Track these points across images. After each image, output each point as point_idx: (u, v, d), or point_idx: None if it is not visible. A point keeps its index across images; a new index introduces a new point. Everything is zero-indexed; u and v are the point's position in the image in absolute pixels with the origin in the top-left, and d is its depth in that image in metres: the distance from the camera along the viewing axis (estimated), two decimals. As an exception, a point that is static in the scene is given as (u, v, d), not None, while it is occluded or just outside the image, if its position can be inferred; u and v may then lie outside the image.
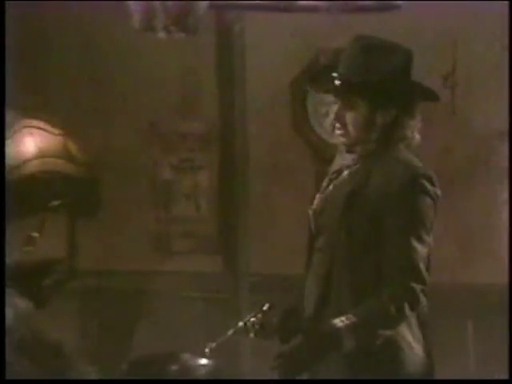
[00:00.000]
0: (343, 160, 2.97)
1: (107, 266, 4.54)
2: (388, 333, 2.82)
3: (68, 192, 4.15)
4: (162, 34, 3.22)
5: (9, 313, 3.37)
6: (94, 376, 4.12)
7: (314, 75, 3.11)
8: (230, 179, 4.51)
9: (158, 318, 4.51)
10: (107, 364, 4.21)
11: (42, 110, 4.19)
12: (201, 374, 4.15)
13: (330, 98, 4.15)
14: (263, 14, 3.90)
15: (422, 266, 2.85)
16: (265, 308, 3.00)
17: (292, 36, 4.11)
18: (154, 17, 3.21)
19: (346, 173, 2.96)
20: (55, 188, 4.15)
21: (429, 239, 2.88)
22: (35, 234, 4.06)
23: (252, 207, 4.47)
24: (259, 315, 3.00)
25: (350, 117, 2.89)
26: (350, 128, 2.89)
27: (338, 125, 2.91)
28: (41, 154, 4.16)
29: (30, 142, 4.17)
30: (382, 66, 2.87)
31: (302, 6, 3.31)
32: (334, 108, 2.90)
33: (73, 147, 4.20)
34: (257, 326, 2.99)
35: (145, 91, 4.50)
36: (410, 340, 2.90)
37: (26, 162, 4.13)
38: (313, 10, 3.21)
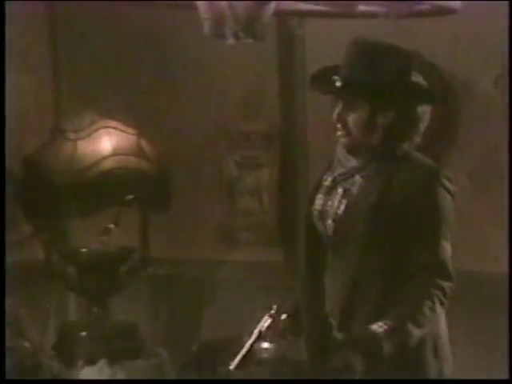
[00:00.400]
0: (349, 163, 2.85)
1: (177, 255, 4.52)
2: (421, 332, 2.72)
3: (141, 187, 4.16)
4: (231, 40, 3.19)
5: None
6: (164, 357, 4.17)
7: (315, 76, 2.91)
8: (290, 175, 4.49)
9: (223, 303, 4.50)
10: (178, 346, 4.27)
11: (118, 112, 4.22)
12: (264, 357, 4.17)
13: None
14: (323, 20, 3.86)
15: (449, 264, 2.77)
16: (273, 312, 2.90)
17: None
18: (224, 24, 3.20)
19: (358, 177, 2.84)
20: (129, 183, 4.16)
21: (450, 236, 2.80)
22: (111, 226, 4.08)
23: None
24: (270, 321, 2.89)
25: (351, 118, 2.79)
26: (352, 129, 2.79)
27: (339, 126, 2.80)
28: (116, 152, 4.18)
29: (107, 141, 4.21)
30: (382, 67, 2.77)
31: (362, 12, 3.28)
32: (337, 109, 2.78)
33: (145, 145, 4.22)
34: (270, 333, 2.89)
35: (212, 93, 4.49)
36: (445, 336, 2.83)
37: (103, 159, 4.16)
38: (372, 15, 3.20)
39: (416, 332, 2.70)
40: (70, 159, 4.13)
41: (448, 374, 2.86)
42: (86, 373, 3.85)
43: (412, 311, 2.71)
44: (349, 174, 2.86)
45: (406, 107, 2.79)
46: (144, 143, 4.21)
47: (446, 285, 2.75)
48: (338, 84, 2.78)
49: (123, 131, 4.20)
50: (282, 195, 4.52)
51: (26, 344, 1.64)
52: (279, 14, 3.49)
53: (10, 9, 4.01)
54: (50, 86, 4.55)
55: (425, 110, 2.82)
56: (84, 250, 4.14)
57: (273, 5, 3.26)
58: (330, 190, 2.88)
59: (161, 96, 4.58)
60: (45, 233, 4.23)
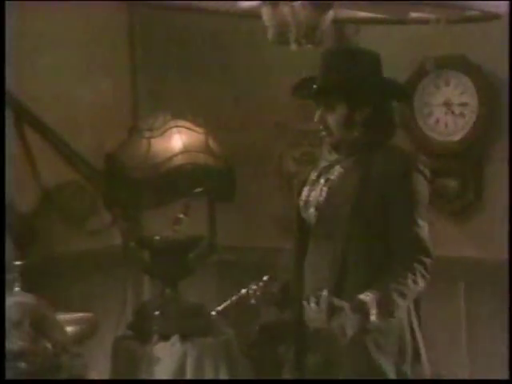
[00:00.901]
0: (331, 157, 2.93)
1: (241, 243, 4.56)
2: (406, 303, 2.75)
3: (208, 180, 4.18)
4: (293, 46, 3.18)
5: None
6: (231, 335, 4.18)
7: (297, 86, 3.04)
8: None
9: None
10: (243, 326, 4.28)
11: (188, 113, 4.23)
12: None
13: (432, 100, 4.19)
14: (377, 27, 3.87)
15: (428, 241, 2.80)
16: (265, 278, 2.98)
17: (402, 45, 4.06)
18: (287, 30, 3.22)
19: (338, 167, 2.90)
20: (198, 177, 4.17)
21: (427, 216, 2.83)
22: (182, 216, 4.12)
23: None
24: (260, 284, 2.97)
25: (331, 119, 2.86)
26: (333, 129, 2.85)
27: (321, 127, 2.89)
28: (186, 149, 4.20)
29: (178, 140, 4.23)
30: (352, 69, 2.84)
31: (414, 19, 3.30)
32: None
33: (212, 143, 4.23)
34: (258, 294, 2.97)
35: (273, 96, 4.49)
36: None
37: (174, 156, 4.18)
38: (423, 22, 3.21)
39: (401, 302, 2.72)
40: (144, 156, 4.18)
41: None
42: (160, 348, 3.89)
43: (397, 283, 2.72)
44: (330, 166, 2.93)
45: (381, 103, 2.85)
46: (211, 141, 4.22)
47: (427, 260, 2.77)
48: (314, 87, 2.87)
49: (193, 130, 4.23)
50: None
51: (48, 345, 1.66)
52: (336, 22, 3.50)
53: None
54: (128, 89, 4.59)
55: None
56: (157, 237, 4.17)
57: (332, 13, 3.29)
58: (315, 182, 2.95)
59: (227, 98, 4.62)
60: (123, 222, 4.26)
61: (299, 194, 2.97)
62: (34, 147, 4.04)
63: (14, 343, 1.70)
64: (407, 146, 4.15)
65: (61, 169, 4.22)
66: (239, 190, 4.28)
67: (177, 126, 4.21)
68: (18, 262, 3.43)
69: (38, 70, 4.13)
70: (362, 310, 2.67)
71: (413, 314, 2.88)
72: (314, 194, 2.93)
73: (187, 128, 4.22)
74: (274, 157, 4.62)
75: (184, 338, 3.93)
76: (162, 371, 3.85)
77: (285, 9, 3.22)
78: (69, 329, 3.44)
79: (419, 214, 2.80)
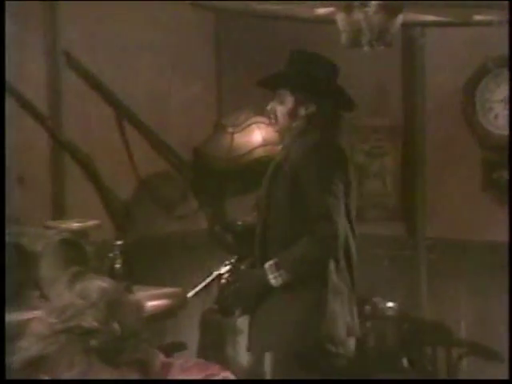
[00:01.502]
0: (281, 146, 3.04)
1: None
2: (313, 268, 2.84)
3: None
4: (366, 48, 3.22)
5: None
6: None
7: (261, 81, 3.14)
8: (411, 163, 4.45)
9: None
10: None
11: (267, 110, 4.28)
12: (389, 315, 4.16)
13: (492, 96, 4.15)
14: (442, 29, 3.86)
15: (333, 215, 2.86)
16: (233, 260, 3.12)
17: (465, 46, 4.02)
18: (361, 34, 3.24)
19: (283, 151, 3.01)
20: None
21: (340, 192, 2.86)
22: None
23: (429, 185, 4.39)
24: (229, 265, 3.12)
25: (279, 109, 2.98)
26: (279, 117, 2.97)
27: (271, 115, 3.00)
28: (265, 143, 4.24)
29: (258, 134, 4.26)
30: (307, 70, 2.96)
31: (477, 21, 3.28)
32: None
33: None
34: (227, 274, 3.12)
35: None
36: (334, 279, 2.90)
37: (254, 149, 4.22)
38: (487, 23, 3.18)
39: (298, 269, 2.85)
40: (228, 149, 4.22)
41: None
42: (242, 321, 3.93)
43: (300, 250, 2.85)
44: (280, 151, 3.05)
45: (325, 104, 2.95)
46: (288, 135, 4.25)
47: (330, 233, 2.84)
48: (265, 77, 3.03)
49: (271, 125, 4.26)
50: (403, 179, 4.48)
51: (117, 327, 1.68)
52: (404, 25, 3.50)
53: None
54: (214, 89, 4.62)
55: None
56: (239, 222, 4.20)
57: (401, 16, 3.29)
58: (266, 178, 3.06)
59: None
60: (208, 208, 4.34)
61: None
62: (131, 141, 4.11)
63: (87, 321, 1.73)
64: (468, 138, 4.18)
65: (154, 160, 4.29)
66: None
67: (257, 122, 4.25)
68: (118, 242, 3.50)
69: (136, 71, 4.21)
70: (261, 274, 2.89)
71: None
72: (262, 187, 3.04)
73: (266, 124, 4.24)
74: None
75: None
76: (245, 342, 3.88)
77: (358, 14, 3.23)
78: (161, 302, 3.54)
79: (328, 190, 2.86)
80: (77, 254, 3.24)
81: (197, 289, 3.08)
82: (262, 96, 4.56)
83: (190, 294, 3.07)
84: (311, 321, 2.90)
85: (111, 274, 3.35)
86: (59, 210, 3.85)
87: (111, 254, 3.43)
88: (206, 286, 3.11)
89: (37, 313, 2.73)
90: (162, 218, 4.31)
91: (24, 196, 3.34)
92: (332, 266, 2.92)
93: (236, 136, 4.24)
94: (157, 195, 4.28)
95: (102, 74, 3.83)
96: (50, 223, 3.48)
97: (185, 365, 1.85)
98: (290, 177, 2.88)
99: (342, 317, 2.97)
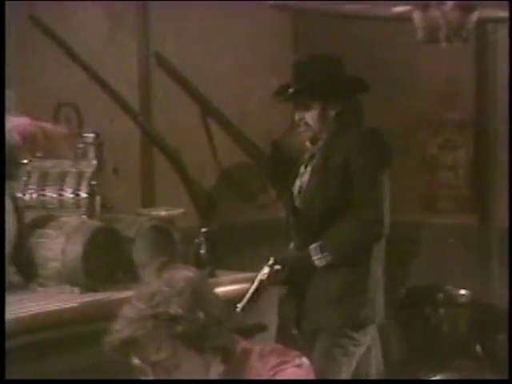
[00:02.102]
0: (313, 149, 2.96)
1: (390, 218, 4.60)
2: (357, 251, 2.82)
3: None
4: (444, 44, 3.24)
5: None
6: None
7: (276, 92, 3.06)
8: (482, 155, 4.45)
9: (425, 257, 4.53)
10: (390, 289, 4.31)
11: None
12: (462, 302, 4.17)
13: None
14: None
15: (380, 202, 2.85)
16: (270, 262, 3.01)
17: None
18: (438, 30, 3.26)
19: (318, 154, 2.94)
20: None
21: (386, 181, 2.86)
22: None
23: (500, 177, 4.37)
24: (268, 270, 3.00)
25: (308, 116, 2.92)
26: (312, 124, 2.91)
27: (301, 124, 2.94)
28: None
29: None
30: (321, 73, 2.92)
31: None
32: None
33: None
34: (269, 276, 3.00)
35: (418, 90, 4.52)
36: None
37: None
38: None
39: (342, 252, 2.83)
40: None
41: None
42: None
43: (346, 234, 2.84)
44: (313, 156, 2.98)
45: (348, 97, 2.93)
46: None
47: (377, 218, 2.85)
48: (291, 91, 2.93)
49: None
50: (474, 171, 4.49)
51: (202, 315, 1.71)
52: (478, 21, 3.50)
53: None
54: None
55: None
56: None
57: (476, 13, 3.30)
58: (304, 174, 3.02)
59: (379, 93, 4.63)
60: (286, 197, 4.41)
61: (291, 187, 3.03)
62: (215, 135, 4.21)
63: (173, 308, 1.77)
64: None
65: (236, 153, 4.38)
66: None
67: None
68: (203, 229, 3.60)
69: (220, 70, 4.31)
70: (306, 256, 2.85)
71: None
72: (303, 181, 3.00)
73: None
74: (419, 143, 4.61)
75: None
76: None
77: (435, 12, 3.26)
78: (243, 286, 3.62)
79: (379, 175, 2.86)
80: (165, 239, 3.34)
81: (245, 300, 3.01)
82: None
83: (239, 308, 3.06)
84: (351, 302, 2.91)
85: (196, 259, 3.45)
86: (149, 199, 3.97)
87: (196, 241, 3.52)
88: (253, 295, 3.05)
89: (129, 293, 2.92)
90: (243, 207, 4.40)
91: (118, 186, 3.46)
92: (374, 251, 2.94)
93: (314, 129, 4.29)
94: (238, 186, 4.37)
95: (189, 72, 3.95)
96: (142, 211, 3.60)
97: (263, 351, 1.88)
98: (340, 166, 2.86)
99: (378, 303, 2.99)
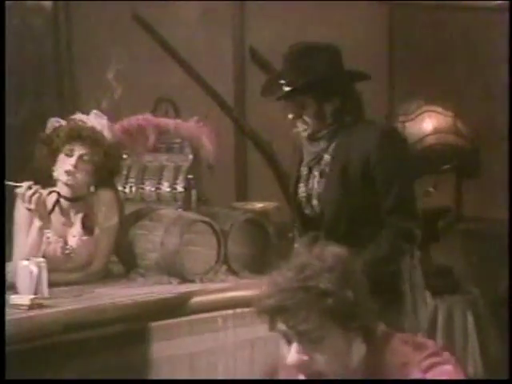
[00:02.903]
0: (314, 148, 2.78)
1: (483, 214, 4.52)
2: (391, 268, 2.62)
3: (455, 159, 4.23)
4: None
5: None
6: (477, 295, 4.18)
7: (265, 86, 2.83)
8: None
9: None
10: (487, 286, 4.27)
11: (438, 99, 4.29)
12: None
13: None
14: None
15: (415, 204, 2.69)
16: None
17: None
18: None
19: (326, 157, 2.77)
20: (446, 156, 4.23)
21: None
22: (431, 189, 4.15)
23: None
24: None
25: (305, 114, 2.73)
26: (309, 122, 2.72)
27: (298, 123, 2.74)
28: (436, 131, 4.26)
29: (429, 123, 4.29)
30: (317, 66, 2.70)
31: None
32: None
33: (460, 125, 4.26)
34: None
35: None
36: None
37: (425, 137, 4.26)
38: None
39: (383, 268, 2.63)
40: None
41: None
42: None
43: (378, 251, 2.65)
44: (318, 157, 2.79)
45: (346, 90, 2.73)
46: (459, 123, 4.24)
47: (410, 224, 2.66)
48: (285, 89, 2.71)
49: (442, 114, 4.27)
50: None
51: (350, 294, 1.73)
52: None
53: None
54: (386, 77, 4.70)
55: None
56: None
57: None
58: (308, 177, 2.83)
59: (474, 85, 4.60)
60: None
61: (296, 191, 2.87)
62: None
63: (323, 283, 1.79)
64: None
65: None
66: (484, 167, 4.28)
67: (428, 111, 4.29)
68: (296, 224, 3.63)
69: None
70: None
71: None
72: (312, 187, 2.83)
73: (437, 112, 4.28)
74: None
75: (434, 294, 3.96)
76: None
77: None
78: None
79: (408, 180, 2.71)
80: (259, 233, 3.39)
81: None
82: (433, 85, 4.63)
83: None
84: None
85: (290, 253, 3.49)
86: (242, 193, 4.04)
87: (290, 235, 3.57)
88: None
89: (224, 285, 2.99)
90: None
91: (213, 180, 3.54)
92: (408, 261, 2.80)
93: (408, 125, 4.29)
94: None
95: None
96: (236, 204, 3.67)
97: (404, 337, 1.89)
98: (360, 170, 2.69)
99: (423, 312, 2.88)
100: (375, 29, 4.60)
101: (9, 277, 2.96)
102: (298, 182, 2.88)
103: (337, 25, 4.41)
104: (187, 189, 3.36)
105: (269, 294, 1.84)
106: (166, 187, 3.39)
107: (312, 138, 2.79)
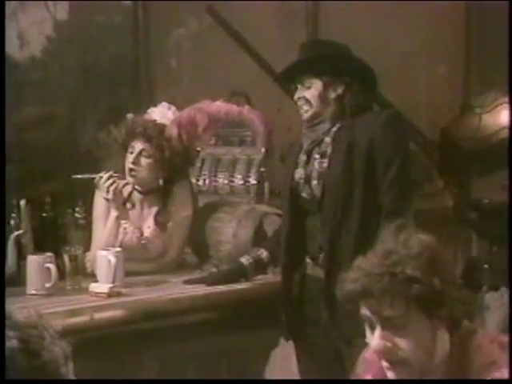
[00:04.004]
0: (314, 132, 2.86)
1: None
2: None
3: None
4: None
5: None
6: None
7: (279, 77, 3.02)
8: None
9: None
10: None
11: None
12: None
13: None
14: None
15: (409, 186, 2.77)
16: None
17: None
18: None
19: (327, 139, 2.83)
20: None
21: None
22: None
23: None
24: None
25: (309, 95, 2.84)
26: (312, 102, 2.83)
27: (300, 102, 2.85)
28: (514, 125, 4.25)
29: (505, 115, 4.21)
30: (324, 53, 2.86)
31: None
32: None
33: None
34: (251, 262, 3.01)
35: None
36: None
37: (502, 129, 4.18)
38: None
39: None
40: (475, 129, 4.25)
41: None
42: (489, 297, 3.97)
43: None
44: (318, 140, 2.86)
45: (351, 83, 2.84)
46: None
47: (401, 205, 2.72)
48: (289, 67, 2.88)
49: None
50: None
51: (436, 280, 1.74)
52: None
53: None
54: (461, 69, 4.69)
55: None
56: (486, 200, 4.23)
57: None
58: (307, 161, 2.88)
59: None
60: (454, 186, 4.41)
61: (292, 177, 2.91)
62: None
63: (410, 269, 1.77)
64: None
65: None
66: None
67: (504, 103, 4.21)
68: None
69: (386, 57, 4.38)
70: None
71: None
72: (312, 169, 2.87)
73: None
74: None
75: None
76: (491, 318, 3.93)
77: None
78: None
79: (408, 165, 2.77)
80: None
81: None
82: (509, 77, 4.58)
83: None
84: None
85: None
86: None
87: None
88: None
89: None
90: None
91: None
92: None
93: (484, 117, 4.26)
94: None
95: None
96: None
97: (487, 333, 1.91)
98: (364, 156, 2.78)
99: None
100: (452, 20, 4.59)
101: (88, 266, 3.09)
102: (295, 167, 2.94)
103: (412, 18, 4.42)
104: (260, 181, 3.43)
105: (353, 278, 1.83)
106: (238, 180, 3.46)
107: (311, 121, 2.89)
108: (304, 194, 2.91)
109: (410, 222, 2.69)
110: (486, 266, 4.08)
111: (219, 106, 3.33)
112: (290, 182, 2.95)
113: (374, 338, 1.84)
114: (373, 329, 1.85)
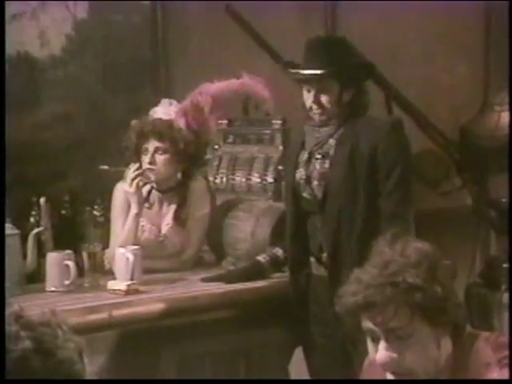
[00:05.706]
0: (320, 133, 2.88)
1: None
2: None
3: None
4: None
5: None
6: None
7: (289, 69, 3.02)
8: None
9: None
10: None
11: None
12: None
13: None
14: None
15: (410, 191, 2.84)
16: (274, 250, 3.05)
17: None
18: None
19: (331, 141, 2.87)
20: None
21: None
22: None
23: None
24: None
25: (324, 98, 2.86)
26: (327, 106, 2.85)
27: (315, 106, 2.86)
28: None
29: None
30: (339, 56, 2.89)
31: None
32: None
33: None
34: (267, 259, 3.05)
35: None
36: None
37: None
38: None
39: None
40: (494, 127, 4.25)
41: None
42: (508, 296, 3.95)
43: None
44: (323, 141, 2.89)
45: (360, 84, 2.92)
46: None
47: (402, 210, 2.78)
48: (318, 74, 2.86)
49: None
50: None
51: (437, 287, 1.75)
52: None
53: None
54: (481, 67, 4.67)
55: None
56: (504, 199, 4.22)
57: None
58: (309, 161, 2.90)
59: None
60: (473, 185, 4.41)
61: (293, 176, 2.94)
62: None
63: (411, 278, 1.77)
64: None
65: (420, 140, 4.42)
66: None
67: (525, 101, 4.26)
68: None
69: (406, 56, 4.38)
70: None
71: None
72: (313, 169, 2.90)
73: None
74: None
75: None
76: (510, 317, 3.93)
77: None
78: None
79: (409, 170, 2.82)
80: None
81: None
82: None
83: None
84: None
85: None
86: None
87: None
88: None
89: None
90: (426, 194, 4.43)
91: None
92: None
93: (503, 115, 4.25)
94: (422, 172, 4.41)
95: (373, 58, 4.06)
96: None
97: (490, 336, 1.87)
98: (367, 160, 2.82)
99: None
100: (472, 19, 4.59)
101: (107, 263, 3.13)
102: (296, 167, 2.96)
103: (431, 17, 4.42)
104: (277, 180, 3.44)
105: (353, 291, 1.81)
106: (256, 178, 3.48)
107: (323, 123, 2.91)
108: (305, 194, 2.94)
109: (410, 226, 2.83)
110: (504, 265, 4.07)
111: (219, 84, 3.33)
112: (291, 181, 2.97)
113: (379, 351, 1.82)
114: (375, 341, 1.83)
